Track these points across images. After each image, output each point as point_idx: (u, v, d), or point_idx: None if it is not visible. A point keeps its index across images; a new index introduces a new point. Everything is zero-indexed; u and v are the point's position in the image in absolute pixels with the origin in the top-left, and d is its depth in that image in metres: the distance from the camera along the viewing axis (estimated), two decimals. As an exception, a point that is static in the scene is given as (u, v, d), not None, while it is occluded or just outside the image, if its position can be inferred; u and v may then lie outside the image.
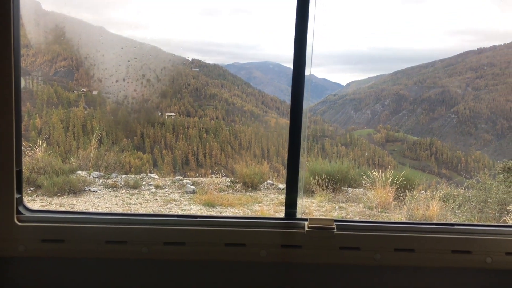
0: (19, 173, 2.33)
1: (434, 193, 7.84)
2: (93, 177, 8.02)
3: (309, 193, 8.11)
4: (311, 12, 2.32)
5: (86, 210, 6.70)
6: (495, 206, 6.94)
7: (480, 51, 13.92)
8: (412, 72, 14.79)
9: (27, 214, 2.36)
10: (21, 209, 2.35)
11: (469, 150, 12.68)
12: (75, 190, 7.36)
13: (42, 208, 6.45)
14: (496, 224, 6.19)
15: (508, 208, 6.71)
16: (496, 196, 7.03)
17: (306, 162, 9.16)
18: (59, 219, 2.37)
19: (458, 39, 14.52)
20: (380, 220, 6.96)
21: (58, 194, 7.20)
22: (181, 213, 6.81)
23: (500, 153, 12.09)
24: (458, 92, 13.80)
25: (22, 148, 2.40)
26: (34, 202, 6.84)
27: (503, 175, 7.91)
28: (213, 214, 6.91)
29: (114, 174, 8.28)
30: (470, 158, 12.41)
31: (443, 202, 7.57)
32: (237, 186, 8.33)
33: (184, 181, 8.33)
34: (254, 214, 6.99)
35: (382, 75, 15.95)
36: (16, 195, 2.30)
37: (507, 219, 6.55)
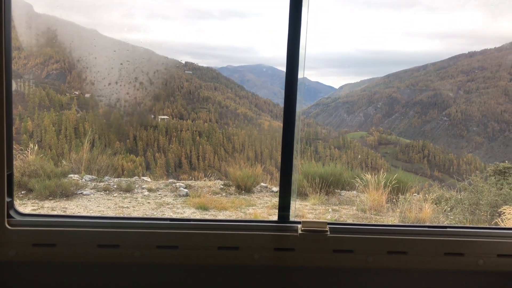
0: (10, 176, 2.31)
1: (426, 195, 7.88)
2: (85, 180, 7.97)
3: (303, 196, 8.12)
4: (304, 16, 2.33)
5: (78, 214, 6.66)
6: (487, 209, 6.99)
7: (471, 54, 14.05)
8: (405, 75, 14.89)
9: (18, 218, 2.34)
10: (11, 213, 2.33)
11: (461, 152, 12.78)
12: (67, 194, 7.30)
13: (33, 212, 6.40)
14: (488, 226, 6.25)
15: (499, 210, 6.75)
16: (487, 198, 7.08)
17: (300, 165, 9.17)
18: (50, 223, 2.35)
19: (449, 42, 14.65)
20: (373, 223, 6.98)
21: (50, 198, 7.14)
22: (174, 216, 6.79)
23: (492, 156, 12.19)
24: (450, 95, 13.91)
25: (13, 151, 2.38)
26: (26, 206, 6.77)
27: (495, 178, 7.97)
28: (206, 217, 6.89)
29: (107, 177, 8.23)
30: (462, 160, 12.50)
31: (435, 204, 7.61)
32: (230, 189, 8.31)
33: (177, 184, 8.29)
34: (248, 217, 6.98)
35: (374, 78, 16.06)
36: (7, 199, 2.28)
37: (498, 221, 6.59)
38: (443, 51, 14.27)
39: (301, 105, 2.47)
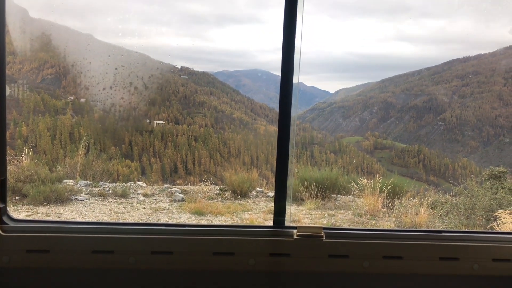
0: (3, 182, 2.29)
1: (422, 200, 7.89)
2: (80, 185, 7.93)
3: (299, 200, 8.11)
4: (299, 21, 2.33)
5: (73, 220, 6.62)
6: (482, 213, 7.01)
7: (466, 59, 14.15)
8: (400, 80, 14.97)
9: (12, 224, 2.32)
10: (5, 219, 2.31)
11: (456, 157, 12.83)
12: (62, 199, 7.27)
13: (27, 218, 6.35)
14: (483, 230, 6.26)
15: (494, 214, 6.78)
16: (483, 202, 7.10)
17: (295, 170, 9.17)
18: (44, 229, 2.33)
19: (443, 47, 14.75)
20: (369, 227, 6.98)
21: (44, 203, 7.10)
22: (169, 221, 6.76)
23: (487, 160, 12.25)
24: (445, 99, 13.98)
25: (7, 156, 2.36)
26: (20, 212, 6.73)
27: (490, 182, 7.99)
28: (202, 222, 6.87)
29: (102, 182, 8.20)
30: (457, 165, 12.55)
31: (431, 209, 7.62)
32: (226, 194, 8.29)
33: (173, 189, 8.27)
34: (243, 222, 6.96)
35: (369, 83, 16.14)
36: (0, 205, 2.26)
37: (494, 225, 6.61)
38: (438, 56, 14.38)
39: (297, 110, 2.46)
